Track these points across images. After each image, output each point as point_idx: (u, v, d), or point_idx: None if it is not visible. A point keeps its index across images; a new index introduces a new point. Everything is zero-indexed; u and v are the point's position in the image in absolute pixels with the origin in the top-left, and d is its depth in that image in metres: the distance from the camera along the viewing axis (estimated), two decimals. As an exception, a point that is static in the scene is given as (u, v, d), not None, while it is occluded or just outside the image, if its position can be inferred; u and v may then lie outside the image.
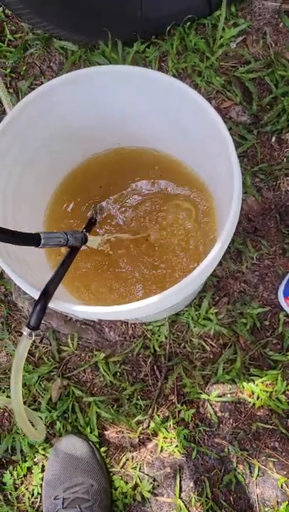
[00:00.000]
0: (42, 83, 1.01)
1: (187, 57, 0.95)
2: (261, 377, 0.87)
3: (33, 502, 0.89)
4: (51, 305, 0.55)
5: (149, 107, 0.66)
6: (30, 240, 0.52)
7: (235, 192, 0.54)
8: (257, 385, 0.87)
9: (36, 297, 0.54)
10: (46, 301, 0.54)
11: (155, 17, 0.92)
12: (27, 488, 0.89)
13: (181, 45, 0.97)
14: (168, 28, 0.95)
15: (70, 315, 0.90)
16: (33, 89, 1.01)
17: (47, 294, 0.54)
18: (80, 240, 0.62)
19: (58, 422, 0.89)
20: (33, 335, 0.53)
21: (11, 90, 1.02)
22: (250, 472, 0.87)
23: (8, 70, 1.02)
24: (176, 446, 0.88)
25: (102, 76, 0.61)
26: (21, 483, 0.90)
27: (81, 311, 0.54)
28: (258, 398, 0.87)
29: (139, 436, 0.89)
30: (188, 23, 0.95)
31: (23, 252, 0.64)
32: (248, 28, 0.97)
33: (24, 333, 0.53)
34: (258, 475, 0.86)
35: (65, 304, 0.55)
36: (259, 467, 0.86)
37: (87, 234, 0.66)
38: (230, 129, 0.94)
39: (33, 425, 0.65)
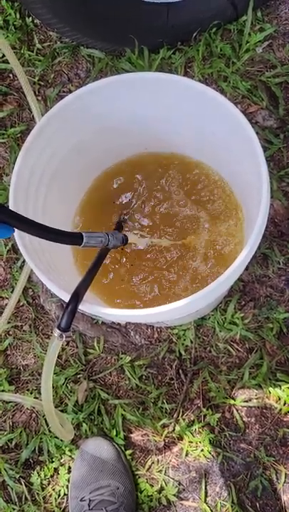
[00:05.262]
0: (70, 90, 1.04)
1: (213, 62, 0.96)
2: (288, 383, 0.86)
3: (59, 502, 0.90)
4: (81, 307, 0.56)
5: (178, 112, 0.67)
6: (74, 239, 0.55)
7: (263, 196, 0.54)
8: (283, 390, 0.87)
9: (66, 300, 0.56)
10: (77, 303, 0.55)
11: (181, 23, 0.93)
12: (53, 489, 0.91)
13: (207, 50, 0.98)
14: (194, 35, 0.96)
15: (97, 317, 0.91)
16: (61, 96, 1.03)
17: (78, 295, 0.55)
18: (120, 240, 0.64)
19: (84, 424, 0.90)
20: (63, 336, 0.54)
21: (40, 98, 1.04)
22: (277, 478, 0.86)
23: (37, 78, 1.04)
24: (202, 450, 0.88)
25: (134, 83, 0.62)
26: (48, 484, 0.91)
27: (110, 314, 0.55)
28: (284, 404, 0.87)
29: (164, 440, 0.89)
30: (214, 29, 0.96)
31: (52, 257, 0.66)
32: (274, 32, 0.97)
33: (55, 334, 0.54)
34: (284, 481, 0.86)
35: (95, 306, 0.56)
36: (286, 474, 0.85)
37: (127, 234, 0.67)
38: (256, 134, 0.94)
39: (61, 425, 0.66)
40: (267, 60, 0.97)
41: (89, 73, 1.03)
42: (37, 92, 1.04)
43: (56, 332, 0.54)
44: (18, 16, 1.04)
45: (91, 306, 0.56)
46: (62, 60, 1.04)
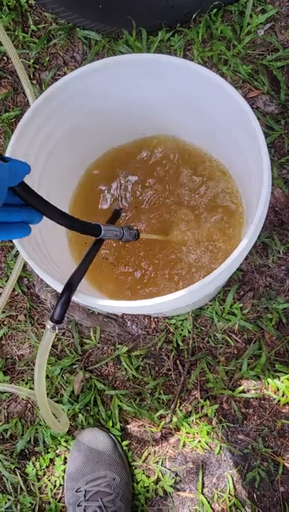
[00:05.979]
0: (65, 74, 1.01)
1: (213, 45, 0.93)
2: (287, 374, 0.85)
3: (55, 493, 0.89)
4: (75, 299, 0.54)
5: (175, 95, 0.64)
6: (92, 230, 0.56)
7: (264, 185, 0.52)
8: (282, 381, 0.85)
9: (60, 290, 0.54)
10: (70, 294, 0.53)
11: (180, 4, 0.90)
12: (49, 480, 0.90)
13: (207, 33, 0.95)
14: (193, 16, 0.92)
15: (92, 308, 0.89)
16: (57, 80, 1.00)
17: (71, 286, 0.53)
18: (133, 235, 0.65)
19: (80, 415, 0.89)
20: (56, 328, 0.52)
21: (34, 81, 1.02)
22: (275, 470, 0.85)
23: (32, 61, 1.01)
24: (199, 441, 0.87)
25: (128, 66, 0.60)
26: (44, 475, 0.90)
27: (105, 305, 0.53)
28: (283, 395, 0.86)
29: (161, 431, 0.88)
30: (215, 10, 0.93)
31: (47, 247, 0.64)
32: (276, 14, 0.94)
33: (48, 326, 0.53)
34: (282, 473, 0.85)
35: (89, 297, 0.54)
36: (284, 465, 0.85)
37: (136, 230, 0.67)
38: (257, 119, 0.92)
39: (56, 417, 0.65)
40: (269, 43, 0.94)
41: (85, 56, 1.00)
42: (32, 76, 1.01)
43: (49, 324, 0.52)
44: (11, -5, 1.00)
45: (85, 297, 0.54)
46: (58, 43, 1.00)
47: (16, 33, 1.02)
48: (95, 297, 0.55)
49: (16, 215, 0.46)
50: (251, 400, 0.87)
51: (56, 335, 0.54)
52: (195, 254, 0.75)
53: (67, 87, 0.60)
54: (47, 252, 0.65)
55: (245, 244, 0.51)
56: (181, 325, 0.89)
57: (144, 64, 0.59)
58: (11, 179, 0.42)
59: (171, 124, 0.74)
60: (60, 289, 0.54)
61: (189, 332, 0.88)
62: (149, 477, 0.88)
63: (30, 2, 1.02)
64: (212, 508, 0.85)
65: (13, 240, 0.56)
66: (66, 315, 0.90)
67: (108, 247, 0.77)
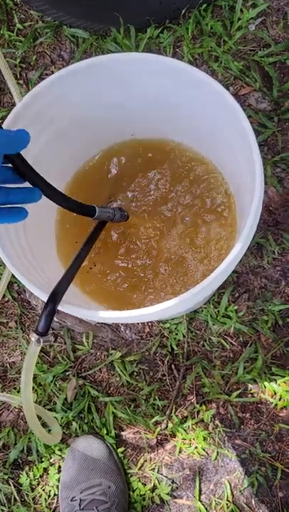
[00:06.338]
0: (52, 73, 0.98)
1: (203, 41, 0.91)
2: (283, 377, 0.83)
3: (49, 503, 0.87)
4: (61, 309, 0.52)
5: (161, 95, 0.62)
6: (88, 210, 0.60)
7: (256, 190, 0.50)
8: (279, 384, 0.84)
9: (45, 300, 0.52)
10: (55, 305, 0.51)
11: (169, 0, 0.88)
12: (43, 489, 0.88)
13: (197, 29, 0.92)
14: (183, 12, 0.90)
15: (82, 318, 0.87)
16: (43, 79, 0.98)
17: (56, 296, 0.51)
18: (124, 216, 0.69)
19: (73, 423, 0.87)
20: (41, 341, 0.50)
21: (21, 81, 0.99)
22: (273, 475, 0.83)
23: (18, 60, 0.99)
24: (196, 447, 0.85)
25: (118, 64, 0.57)
26: (38, 484, 0.88)
27: (91, 315, 0.51)
28: (280, 399, 0.84)
29: (157, 437, 0.86)
30: (204, 6, 0.91)
31: (34, 255, 0.62)
32: (267, 8, 0.92)
33: (32, 339, 0.51)
34: (281, 478, 0.83)
35: (76, 308, 0.52)
36: (282, 470, 0.83)
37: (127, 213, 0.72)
38: (249, 117, 0.89)
39: (48, 427, 0.63)
40: (260, 39, 0.91)
41: (73, 54, 0.98)
42: (18, 76, 0.99)
43: (33, 337, 0.50)
44: (-4, -7, 0.98)
45: (72, 307, 0.52)
46: (45, 41, 0.98)
47: (2, 32, 0.99)
48: (83, 307, 0.53)
49: (15, 194, 0.47)
50: (248, 404, 0.85)
51: (47, 343, 0.52)
52: (188, 256, 0.73)
53: (51, 87, 0.58)
54: (34, 260, 0.63)
55: (238, 250, 0.49)
56: (176, 329, 0.87)
57: (134, 63, 0.57)
58: (10, 145, 0.42)
59: (160, 124, 0.71)
60: (45, 298, 0.52)
61: (184, 336, 0.87)
62: (146, 485, 0.86)
63: (15, 0, 1.00)
64: (210, 515, 0.84)
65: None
66: (57, 321, 0.88)
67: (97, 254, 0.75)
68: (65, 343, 0.90)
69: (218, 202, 0.74)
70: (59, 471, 0.88)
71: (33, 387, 0.88)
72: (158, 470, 0.86)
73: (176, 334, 0.87)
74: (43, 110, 0.59)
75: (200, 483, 0.85)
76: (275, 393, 0.84)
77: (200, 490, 0.85)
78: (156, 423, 0.87)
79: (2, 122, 0.54)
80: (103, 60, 0.57)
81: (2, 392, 0.90)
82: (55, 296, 0.51)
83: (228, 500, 0.84)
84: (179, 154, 0.76)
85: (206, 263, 0.73)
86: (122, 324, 0.88)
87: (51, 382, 0.88)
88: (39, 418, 0.58)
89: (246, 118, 0.53)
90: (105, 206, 0.66)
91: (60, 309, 0.52)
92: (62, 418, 0.87)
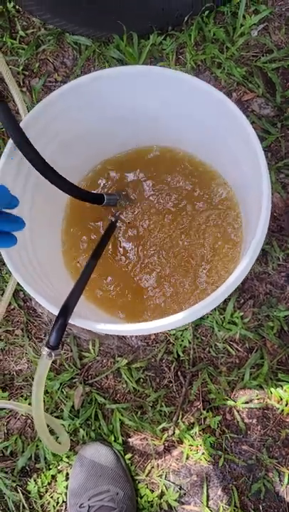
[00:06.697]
0: (56, 80, 0.99)
1: (206, 48, 0.91)
2: (290, 383, 0.84)
3: (58, 510, 0.88)
4: (72, 322, 0.53)
5: (167, 105, 0.62)
6: (97, 198, 0.67)
7: (263, 204, 0.50)
8: (285, 390, 0.84)
9: (55, 313, 0.52)
10: (66, 319, 0.51)
11: (172, 7, 0.88)
12: (52, 497, 0.88)
13: (200, 35, 0.92)
14: (185, 18, 0.90)
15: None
16: (47, 87, 0.98)
17: (67, 310, 0.52)
18: (128, 200, 0.76)
19: (81, 430, 0.88)
20: (52, 355, 0.51)
21: (24, 89, 0.99)
22: (280, 480, 0.84)
23: (21, 68, 0.99)
24: (203, 453, 0.85)
25: (118, 79, 0.58)
26: (46, 491, 0.89)
27: (102, 328, 0.52)
28: (286, 404, 0.84)
29: (164, 444, 0.87)
30: (207, 12, 0.91)
31: (42, 265, 0.62)
32: (269, 14, 0.92)
33: (44, 352, 0.51)
34: (288, 483, 0.83)
35: (87, 321, 0.52)
36: (289, 475, 0.84)
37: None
38: (252, 123, 0.90)
39: (56, 435, 0.63)
40: (263, 44, 0.92)
41: (76, 61, 0.98)
42: (21, 83, 0.99)
43: (45, 350, 0.51)
44: (-2, 1, 0.98)
45: (83, 321, 0.53)
46: (47, 48, 0.98)
47: (4, 39, 0.99)
48: (92, 320, 0.53)
49: (1, 223, 0.48)
50: (254, 410, 0.86)
51: (58, 357, 0.53)
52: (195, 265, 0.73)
53: (58, 99, 0.58)
54: (42, 271, 0.63)
55: (244, 266, 0.50)
56: (182, 335, 0.87)
57: (137, 76, 0.57)
58: None
59: (164, 135, 0.72)
60: (56, 311, 0.52)
61: (190, 342, 0.87)
62: (153, 491, 0.86)
63: (17, 7, 1.00)
64: (218, 520, 0.84)
65: (6, 263, 0.55)
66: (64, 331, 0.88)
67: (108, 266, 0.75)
68: (72, 351, 0.90)
69: (225, 211, 0.74)
70: (67, 478, 0.88)
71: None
72: (165, 476, 0.87)
73: (182, 341, 0.87)
74: (48, 124, 0.60)
75: (207, 489, 0.86)
76: (282, 399, 0.84)
77: (208, 496, 0.85)
78: (163, 429, 0.87)
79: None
80: (103, 74, 0.57)
81: (9, 400, 0.91)
82: (66, 309, 0.51)
83: (235, 506, 0.84)
84: (184, 163, 0.76)
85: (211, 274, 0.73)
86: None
87: (58, 389, 0.89)
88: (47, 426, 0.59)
89: (250, 124, 0.53)
90: (112, 194, 0.73)
91: (70, 322, 0.52)
92: (69, 425, 0.88)
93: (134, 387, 0.88)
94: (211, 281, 0.74)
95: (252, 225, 0.57)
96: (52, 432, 0.81)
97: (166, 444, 0.87)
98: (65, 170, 0.71)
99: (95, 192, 0.67)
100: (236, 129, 0.55)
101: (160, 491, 0.86)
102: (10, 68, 0.98)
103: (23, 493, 0.89)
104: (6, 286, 0.89)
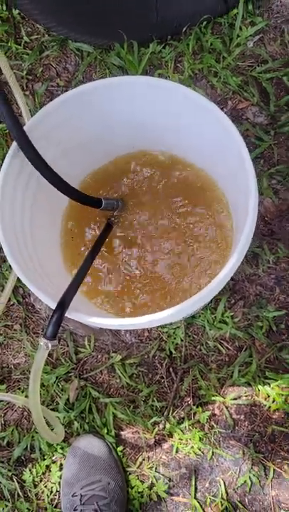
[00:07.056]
0: (58, 85, 1.02)
1: (203, 57, 0.95)
2: (277, 381, 0.87)
3: (51, 499, 0.91)
4: (69, 316, 0.56)
5: (158, 113, 0.66)
6: (95, 203, 0.71)
7: (249, 214, 0.54)
8: (272, 388, 0.87)
9: (53, 307, 0.55)
10: (63, 312, 0.55)
11: (171, 17, 0.92)
12: (46, 486, 0.92)
13: (197, 45, 0.96)
14: (184, 29, 0.94)
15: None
16: (49, 91, 1.02)
17: (63, 304, 0.55)
18: (124, 205, 0.79)
19: (75, 422, 0.91)
20: (49, 346, 0.54)
21: (28, 93, 1.03)
22: (266, 474, 0.87)
23: (25, 72, 1.02)
24: (192, 447, 0.89)
25: (114, 88, 0.61)
26: (40, 481, 0.92)
27: (97, 322, 0.55)
28: (273, 401, 0.88)
29: (154, 437, 0.90)
30: (205, 23, 0.94)
31: (41, 262, 0.65)
32: (265, 26, 0.95)
33: (41, 343, 0.54)
34: (273, 477, 0.87)
35: (83, 315, 0.56)
36: (274, 469, 0.87)
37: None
38: (246, 130, 0.93)
39: (50, 426, 0.66)
40: (258, 55, 0.95)
41: (78, 67, 1.01)
42: (25, 87, 1.03)
43: (42, 341, 0.54)
44: (4, 7, 1.01)
45: (79, 315, 0.56)
46: (51, 54, 1.02)
47: (9, 44, 1.03)
48: (87, 314, 0.56)
49: None
50: (242, 406, 0.89)
51: (54, 347, 0.56)
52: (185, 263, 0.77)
53: (57, 109, 0.62)
54: (40, 267, 0.66)
55: (232, 264, 0.53)
56: (174, 333, 0.91)
57: (132, 86, 0.61)
58: None
59: (160, 140, 0.75)
60: (53, 305, 0.56)
61: (182, 340, 0.90)
62: (144, 482, 0.90)
63: (22, 14, 1.03)
64: None
65: (8, 259, 0.58)
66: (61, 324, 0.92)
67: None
68: (68, 346, 0.93)
69: (216, 212, 0.77)
70: (61, 469, 0.91)
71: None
72: (156, 468, 0.90)
73: (175, 338, 0.90)
74: (49, 132, 0.63)
75: (196, 482, 0.89)
76: (269, 396, 0.88)
77: (196, 488, 0.89)
78: (155, 423, 0.90)
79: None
80: (107, 83, 0.61)
81: (7, 392, 0.94)
82: (63, 304, 0.54)
83: (222, 498, 0.87)
84: (176, 167, 0.80)
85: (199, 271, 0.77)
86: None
87: (54, 383, 0.92)
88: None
89: (240, 136, 0.57)
90: (110, 198, 0.77)
91: (68, 316, 0.56)
92: (64, 418, 0.91)
93: (127, 382, 0.91)
94: (204, 282, 0.77)
95: (241, 222, 0.60)
96: (47, 423, 0.84)
97: (157, 438, 0.90)
98: (66, 175, 0.75)
99: (93, 196, 0.70)
100: (223, 132, 0.58)
101: (150, 482, 0.89)
102: (14, 72, 1.02)
103: (18, 482, 0.92)
104: (6, 282, 0.93)
